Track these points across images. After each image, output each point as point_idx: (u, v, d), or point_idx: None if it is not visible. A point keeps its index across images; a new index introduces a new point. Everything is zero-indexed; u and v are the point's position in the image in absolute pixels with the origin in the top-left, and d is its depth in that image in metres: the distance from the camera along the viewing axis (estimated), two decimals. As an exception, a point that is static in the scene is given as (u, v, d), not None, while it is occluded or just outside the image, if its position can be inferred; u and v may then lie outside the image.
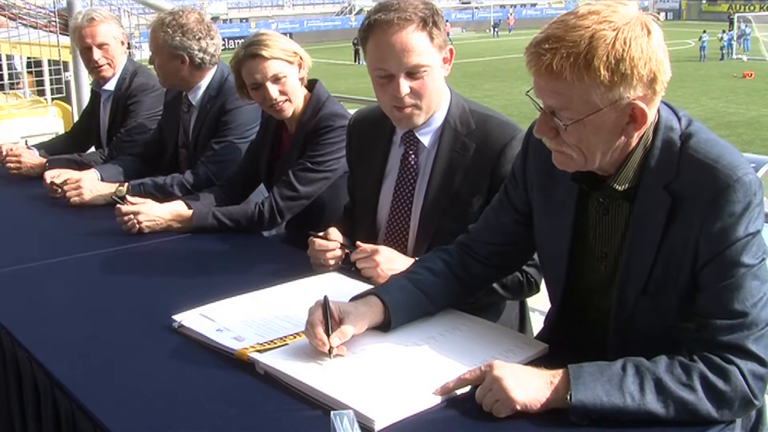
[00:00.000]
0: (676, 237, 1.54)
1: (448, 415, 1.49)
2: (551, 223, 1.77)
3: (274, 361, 1.65)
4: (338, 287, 2.06)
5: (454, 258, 1.91)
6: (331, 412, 1.34)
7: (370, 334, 1.77)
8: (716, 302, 1.50)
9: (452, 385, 1.54)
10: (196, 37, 3.19)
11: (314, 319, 1.68)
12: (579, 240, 1.72)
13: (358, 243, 2.13)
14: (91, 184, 3.15)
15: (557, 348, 1.73)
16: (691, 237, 1.51)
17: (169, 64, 3.21)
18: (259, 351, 1.70)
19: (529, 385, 1.47)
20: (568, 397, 1.43)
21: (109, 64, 3.72)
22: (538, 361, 1.63)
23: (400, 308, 1.78)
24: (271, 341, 1.74)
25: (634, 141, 1.57)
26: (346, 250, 2.20)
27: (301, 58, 2.75)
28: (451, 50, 2.16)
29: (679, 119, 1.59)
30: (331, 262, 2.21)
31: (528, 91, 1.59)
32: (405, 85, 2.08)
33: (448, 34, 2.32)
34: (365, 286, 1.93)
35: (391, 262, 2.06)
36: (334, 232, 2.26)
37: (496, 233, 1.91)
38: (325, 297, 1.72)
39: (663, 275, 1.57)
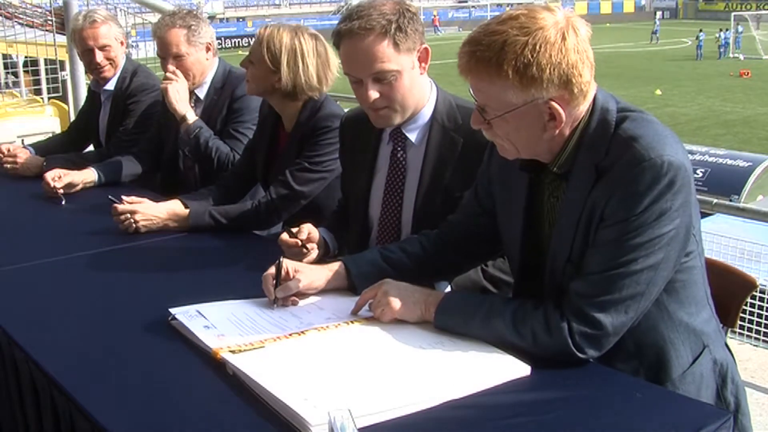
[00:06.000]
0: (592, 206, 1.64)
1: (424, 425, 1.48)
2: (508, 214, 1.88)
3: (244, 363, 1.62)
4: (337, 292, 2.03)
5: (431, 243, 2.05)
6: (329, 411, 1.34)
7: (341, 339, 1.76)
8: (587, 263, 1.63)
9: (358, 306, 1.84)
10: (210, 27, 3.38)
11: (267, 275, 1.94)
12: (535, 230, 1.82)
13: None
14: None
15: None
16: (601, 204, 1.61)
17: (201, 56, 3.31)
18: (232, 351, 1.68)
19: (409, 300, 1.77)
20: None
21: (110, 64, 3.73)
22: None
23: (366, 280, 1.92)
24: (250, 343, 1.73)
25: (567, 132, 1.67)
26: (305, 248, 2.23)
27: None
28: (426, 49, 2.17)
29: (617, 102, 1.69)
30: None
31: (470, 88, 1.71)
32: (373, 91, 2.12)
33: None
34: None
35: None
36: (307, 229, 2.26)
37: (468, 224, 2.02)
38: (280, 257, 1.97)
39: (582, 243, 1.67)
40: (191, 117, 3.23)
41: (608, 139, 1.64)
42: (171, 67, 3.26)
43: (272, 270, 1.95)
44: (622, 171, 1.58)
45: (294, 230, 2.25)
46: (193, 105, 3.40)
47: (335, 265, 2.01)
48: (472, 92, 1.68)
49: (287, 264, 1.96)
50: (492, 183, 1.95)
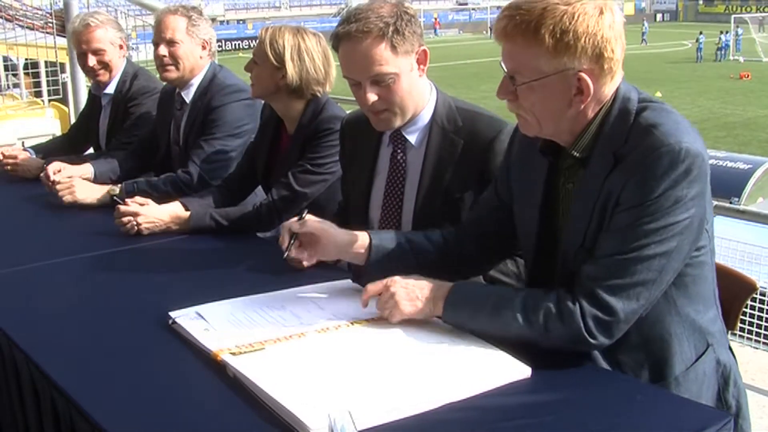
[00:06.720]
0: (608, 192, 1.64)
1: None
2: (525, 203, 1.88)
3: (244, 365, 1.62)
4: (348, 295, 2.01)
5: (452, 236, 2.05)
6: (329, 413, 1.34)
7: (341, 341, 1.76)
8: (600, 247, 1.64)
9: (364, 301, 1.83)
10: (211, 28, 3.38)
11: (287, 224, 2.02)
12: (550, 221, 1.82)
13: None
14: (83, 185, 3.13)
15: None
16: (617, 189, 1.62)
17: (195, 50, 3.29)
18: (233, 353, 1.67)
19: (417, 298, 1.76)
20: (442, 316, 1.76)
21: (104, 68, 3.71)
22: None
23: (384, 255, 1.97)
24: (250, 344, 1.72)
25: (590, 114, 1.69)
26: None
27: None
28: (424, 51, 2.17)
29: (639, 93, 1.71)
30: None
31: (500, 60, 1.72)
32: (371, 93, 2.13)
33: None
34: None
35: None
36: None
37: (486, 219, 2.03)
38: (305, 212, 2.03)
39: (596, 230, 1.67)
40: (113, 189, 3.09)
41: (628, 128, 1.65)
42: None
43: (294, 221, 2.01)
44: (640, 156, 1.60)
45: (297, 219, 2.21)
46: (179, 108, 3.40)
47: (362, 235, 2.01)
48: (502, 60, 1.69)
49: (311, 220, 2.01)
50: (511, 171, 1.94)
